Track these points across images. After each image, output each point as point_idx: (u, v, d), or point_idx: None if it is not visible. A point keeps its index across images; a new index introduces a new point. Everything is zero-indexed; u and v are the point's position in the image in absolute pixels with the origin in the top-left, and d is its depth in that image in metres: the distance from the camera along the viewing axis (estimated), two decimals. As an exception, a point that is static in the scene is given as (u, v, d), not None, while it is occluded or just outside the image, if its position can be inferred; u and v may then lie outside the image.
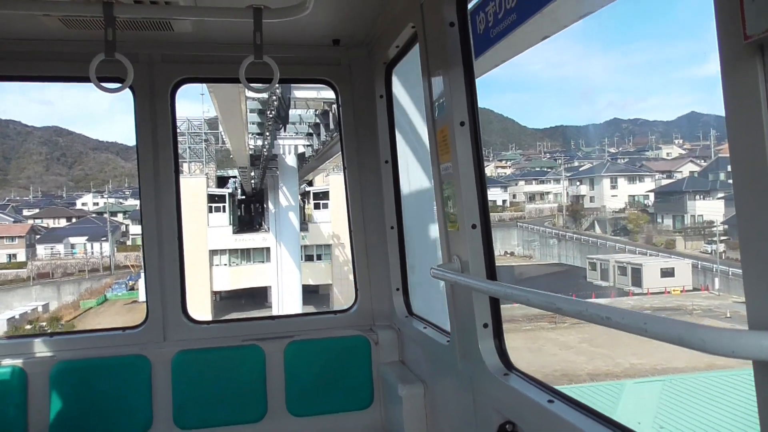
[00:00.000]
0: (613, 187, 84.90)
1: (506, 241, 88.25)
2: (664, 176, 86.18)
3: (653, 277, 57.36)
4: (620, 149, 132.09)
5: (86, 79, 3.71)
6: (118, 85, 3.94)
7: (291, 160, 44.82)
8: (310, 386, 5.15)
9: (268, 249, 56.49)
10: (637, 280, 58.46)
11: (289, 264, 46.73)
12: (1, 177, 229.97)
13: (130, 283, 73.04)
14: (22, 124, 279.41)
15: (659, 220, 75.62)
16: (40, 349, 4.81)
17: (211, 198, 58.01)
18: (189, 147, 56.93)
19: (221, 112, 31.69)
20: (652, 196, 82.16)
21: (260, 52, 3.72)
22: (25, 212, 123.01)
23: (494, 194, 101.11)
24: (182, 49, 4.99)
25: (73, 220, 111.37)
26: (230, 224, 59.83)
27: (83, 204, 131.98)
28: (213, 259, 56.76)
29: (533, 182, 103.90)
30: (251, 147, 42.45)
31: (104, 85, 3.78)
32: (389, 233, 5.30)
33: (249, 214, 78.20)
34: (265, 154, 43.16)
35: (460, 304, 3.70)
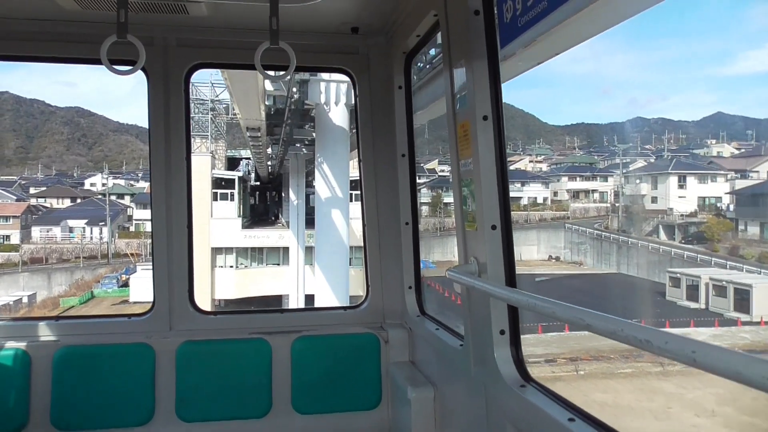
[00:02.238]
0: (681, 186, 70.62)
1: (551, 243, 75.72)
2: (738, 176, 71.98)
3: (765, 302, 43.36)
4: (657, 147, 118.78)
5: (99, 62, 3.58)
6: (130, 67, 3.78)
7: (340, 116, 23.19)
8: (316, 383, 4.84)
9: (285, 249, 42.64)
10: (743, 304, 44.37)
11: (324, 285, 26.62)
12: (23, 155, 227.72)
13: (123, 277, 59.61)
14: (45, 103, 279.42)
15: (742, 227, 61.54)
16: (44, 332, 4.56)
17: (217, 183, 44.30)
18: (191, 117, 43.11)
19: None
20: (727, 198, 68.05)
21: (276, 38, 3.59)
22: (32, 190, 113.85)
23: (535, 191, 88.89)
24: (197, 33, 4.74)
25: (78, 200, 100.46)
26: (239, 216, 45.81)
27: (92, 184, 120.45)
28: (216, 259, 42.91)
29: (577, 179, 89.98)
30: (270, 89, 23.85)
31: (116, 67, 3.66)
32: (404, 229, 4.99)
33: (264, 203, 64.09)
34: (294, 98, 23.45)
35: (476, 308, 3.45)
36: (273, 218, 57.71)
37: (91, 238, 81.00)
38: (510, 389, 3.07)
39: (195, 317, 4.78)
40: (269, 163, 45.55)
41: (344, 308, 5.35)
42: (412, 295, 4.95)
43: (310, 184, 36.24)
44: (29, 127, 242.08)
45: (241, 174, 49.98)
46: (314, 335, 4.87)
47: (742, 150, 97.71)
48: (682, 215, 68.37)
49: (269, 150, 38.24)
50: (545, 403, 2.83)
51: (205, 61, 4.95)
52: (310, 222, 38.20)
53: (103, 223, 77.66)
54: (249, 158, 52.27)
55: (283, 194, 50.67)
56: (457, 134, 3.45)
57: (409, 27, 4.31)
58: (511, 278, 3.26)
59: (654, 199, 73.03)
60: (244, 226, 46.47)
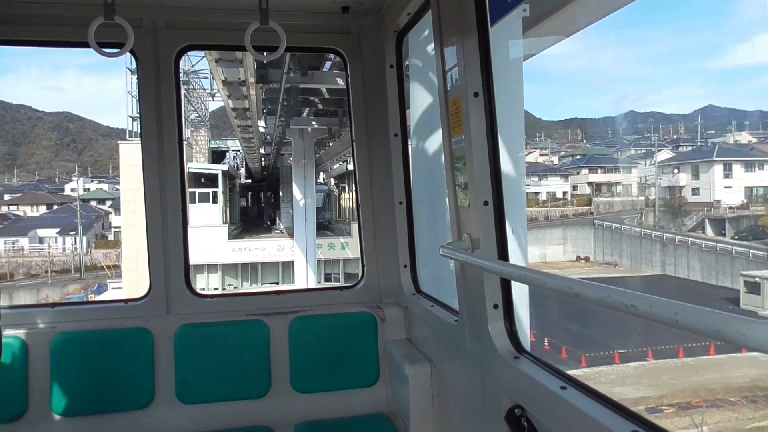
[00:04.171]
0: (727, 175, 60.80)
1: (579, 242, 66.06)
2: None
3: None
4: (666, 138, 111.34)
5: (87, 45, 3.56)
6: (118, 50, 3.79)
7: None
8: (314, 362, 4.73)
9: (287, 264, 31.82)
10: None
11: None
12: (10, 162, 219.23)
13: (92, 297, 48.47)
14: (33, 109, 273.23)
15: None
16: (41, 319, 4.43)
17: (196, 180, 33.13)
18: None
19: None
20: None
21: (266, 18, 3.62)
22: (6, 197, 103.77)
23: (554, 185, 79.78)
24: (186, 14, 4.53)
25: (55, 207, 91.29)
26: (225, 223, 34.70)
27: (72, 189, 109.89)
28: (196, 279, 31.77)
29: (598, 171, 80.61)
30: None
31: (105, 50, 3.65)
32: (398, 208, 4.84)
33: (257, 205, 52.68)
34: None
35: (470, 284, 3.38)
36: (268, 222, 46.49)
37: (64, 248, 71.21)
38: (504, 361, 3.05)
39: (192, 301, 4.62)
40: (262, 150, 34.73)
41: (341, 288, 5.23)
42: (407, 274, 4.81)
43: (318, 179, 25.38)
44: (16, 134, 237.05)
45: (226, 168, 38.35)
46: (311, 315, 4.74)
47: (755, 140, 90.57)
48: (731, 208, 58.63)
49: (261, 125, 26.56)
50: (538, 373, 2.83)
51: (195, 42, 4.80)
52: (319, 227, 27.70)
53: (74, 232, 67.10)
54: (238, 150, 41.40)
55: (281, 193, 39.58)
56: (448, 112, 3.36)
57: (400, 5, 4.19)
58: (503, 253, 3.20)
59: (695, 191, 63.38)
60: (232, 236, 35.22)
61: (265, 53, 4.02)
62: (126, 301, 4.68)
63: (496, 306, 3.13)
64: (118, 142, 35.01)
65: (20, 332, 4.23)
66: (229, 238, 33.69)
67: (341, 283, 33.56)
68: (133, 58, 4.42)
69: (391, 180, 4.76)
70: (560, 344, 32.23)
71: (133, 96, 33.67)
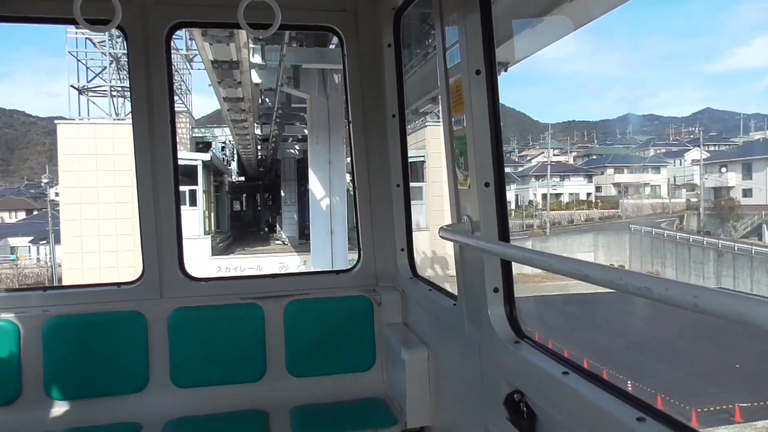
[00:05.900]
0: (785, 174, 52.70)
1: (612, 250, 58.28)
2: None
3: None
4: (677, 138, 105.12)
5: (74, 21, 3.35)
6: (104, 25, 3.60)
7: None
8: (310, 346, 4.66)
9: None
10: None
11: None
12: (4, 167, 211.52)
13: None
14: (26, 114, 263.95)
15: None
16: (33, 303, 4.37)
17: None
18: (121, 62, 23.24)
19: None
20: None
21: None
22: None
23: (576, 185, 72.22)
24: None
25: (35, 213, 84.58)
26: (207, 233, 25.54)
27: (56, 194, 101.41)
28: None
29: (624, 171, 73.05)
30: None
31: (92, 26, 3.45)
32: (395, 191, 4.76)
33: (252, 209, 43.23)
34: None
35: (469, 267, 3.30)
36: (266, 230, 37.36)
37: (38, 259, 63.58)
38: (504, 346, 2.97)
39: (186, 284, 4.53)
40: (258, 131, 25.52)
41: (336, 272, 5.14)
42: (404, 257, 4.74)
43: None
44: (9, 139, 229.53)
45: (209, 158, 28.45)
46: (307, 299, 4.66)
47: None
48: (793, 211, 50.40)
49: (256, 63, 15.60)
50: (540, 358, 2.75)
51: (186, 19, 4.61)
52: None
53: (45, 241, 59.26)
54: (228, 140, 32.46)
55: (282, 193, 30.21)
56: (449, 90, 3.24)
57: None
58: (504, 235, 3.10)
59: (747, 192, 55.17)
60: (218, 250, 26.01)
61: (259, 30, 3.75)
62: (119, 284, 4.57)
63: (496, 290, 3.07)
64: (56, 122, 26.24)
65: (12, 316, 4.18)
66: (214, 254, 24.38)
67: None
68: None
69: (388, 162, 4.67)
70: (655, 391, 23.85)
71: (78, 60, 25.34)
